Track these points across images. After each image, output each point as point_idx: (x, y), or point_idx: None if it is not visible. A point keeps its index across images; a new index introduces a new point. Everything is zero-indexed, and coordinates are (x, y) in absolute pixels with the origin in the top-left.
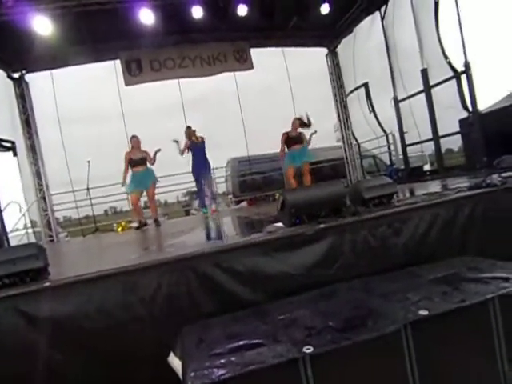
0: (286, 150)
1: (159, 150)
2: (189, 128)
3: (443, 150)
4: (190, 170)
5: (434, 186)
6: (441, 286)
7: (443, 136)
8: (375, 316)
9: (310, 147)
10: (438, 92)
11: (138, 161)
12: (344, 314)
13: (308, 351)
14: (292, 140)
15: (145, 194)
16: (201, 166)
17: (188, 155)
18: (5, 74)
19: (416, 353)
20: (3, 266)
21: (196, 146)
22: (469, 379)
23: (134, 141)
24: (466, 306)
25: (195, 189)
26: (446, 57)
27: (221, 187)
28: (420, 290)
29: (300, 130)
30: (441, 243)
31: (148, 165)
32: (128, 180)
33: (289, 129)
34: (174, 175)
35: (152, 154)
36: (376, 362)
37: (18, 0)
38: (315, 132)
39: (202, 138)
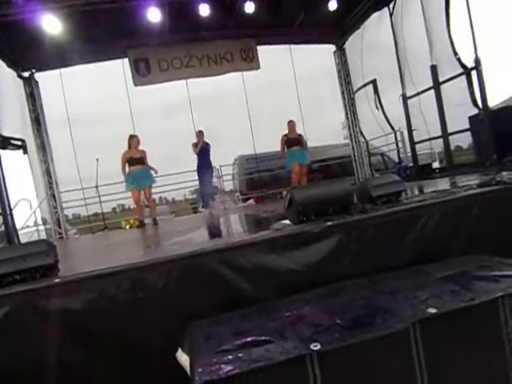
0: (286, 150)
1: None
2: (202, 132)
3: (452, 147)
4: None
5: (443, 184)
6: (450, 285)
7: (452, 133)
8: (383, 314)
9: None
10: (448, 89)
11: (136, 160)
12: (351, 312)
13: (315, 348)
14: (291, 141)
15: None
16: (207, 168)
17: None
18: (15, 73)
19: (424, 351)
20: (14, 262)
21: (205, 149)
22: (476, 378)
23: (135, 140)
24: (476, 305)
25: None
26: (455, 53)
27: (228, 185)
28: (428, 288)
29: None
30: (449, 241)
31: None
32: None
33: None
34: (181, 173)
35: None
36: (384, 360)
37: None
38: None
39: (208, 143)
